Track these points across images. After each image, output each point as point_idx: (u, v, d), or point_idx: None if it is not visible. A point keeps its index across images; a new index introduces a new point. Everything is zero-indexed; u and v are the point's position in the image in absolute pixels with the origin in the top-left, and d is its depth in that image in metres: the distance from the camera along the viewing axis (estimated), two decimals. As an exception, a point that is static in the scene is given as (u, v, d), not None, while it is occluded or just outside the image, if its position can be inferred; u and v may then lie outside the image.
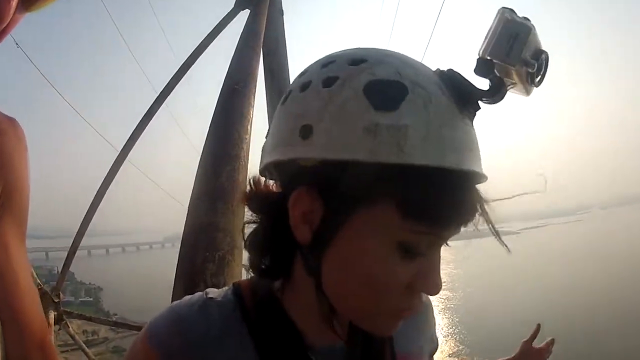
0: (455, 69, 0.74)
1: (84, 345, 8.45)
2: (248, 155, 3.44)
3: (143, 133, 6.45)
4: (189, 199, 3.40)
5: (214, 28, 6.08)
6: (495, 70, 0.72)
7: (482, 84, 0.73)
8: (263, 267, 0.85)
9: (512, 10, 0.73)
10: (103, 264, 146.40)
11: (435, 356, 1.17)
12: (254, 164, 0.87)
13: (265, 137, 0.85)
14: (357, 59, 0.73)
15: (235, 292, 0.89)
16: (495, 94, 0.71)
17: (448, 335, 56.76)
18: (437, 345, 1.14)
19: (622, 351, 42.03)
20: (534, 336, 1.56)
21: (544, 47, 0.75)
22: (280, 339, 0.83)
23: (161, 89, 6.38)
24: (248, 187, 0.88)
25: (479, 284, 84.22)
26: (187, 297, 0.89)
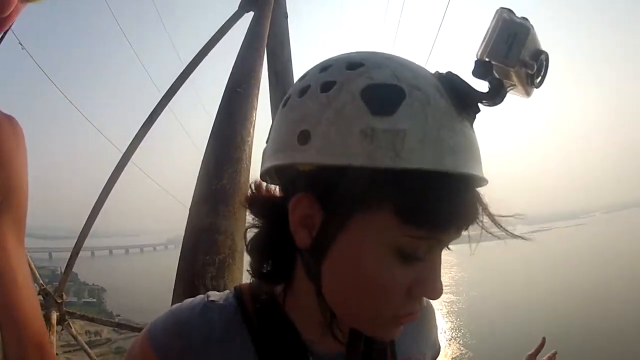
0: (454, 72, 0.73)
1: (86, 346, 8.48)
2: (250, 158, 3.43)
3: (147, 134, 6.48)
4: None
5: (218, 30, 6.11)
6: (494, 72, 0.71)
7: (482, 86, 0.72)
8: (264, 271, 0.85)
9: (510, 11, 0.73)
10: (106, 265, 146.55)
11: (437, 361, 1.16)
12: (256, 167, 0.88)
13: (266, 142, 0.85)
14: (354, 63, 0.73)
15: (236, 296, 0.88)
16: (494, 96, 0.71)
17: (452, 339, 56.70)
18: (439, 349, 1.13)
19: (628, 355, 41.95)
20: (538, 350, 1.53)
21: (543, 48, 0.74)
22: (281, 344, 0.83)
23: (165, 91, 6.40)
24: (249, 192, 0.88)
25: (483, 288, 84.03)
26: (188, 300, 0.88)
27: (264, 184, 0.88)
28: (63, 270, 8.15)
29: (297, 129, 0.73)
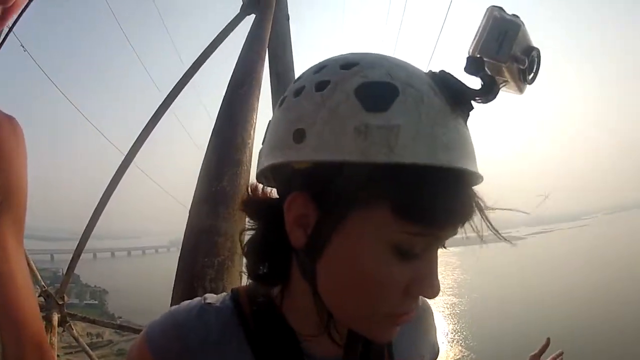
0: (447, 70, 0.74)
1: (87, 348, 8.49)
2: (251, 160, 3.43)
3: (149, 136, 6.49)
4: (192, 203, 3.41)
5: (220, 33, 6.12)
6: (485, 69, 0.72)
7: (475, 84, 0.72)
8: (260, 273, 0.85)
9: (501, 8, 0.73)
10: (108, 267, 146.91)
11: (438, 363, 1.16)
12: (254, 168, 0.87)
13: (262, 143, 0.86)
14: (349, 63, 0.74)
15: (233, 298, 0.88)
16: (487, 93, 0.71)
17: (454, 341, 56.63)
18: (438, 352, 1.13)
19: (629, 357, 41.91)
20: (542, 350, 1.52)
21: (534, 44, 0.75)
22: (278, 346, 0.83)
23: (167, 93, 6.41)
24: (246, 194, 0.88)
25: (485, 290, 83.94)
26: (186, 302, 0.89)
27: (261, 186, 0.88)
28: (65, 272, 8.16)
29: (293, 127, 0.73)
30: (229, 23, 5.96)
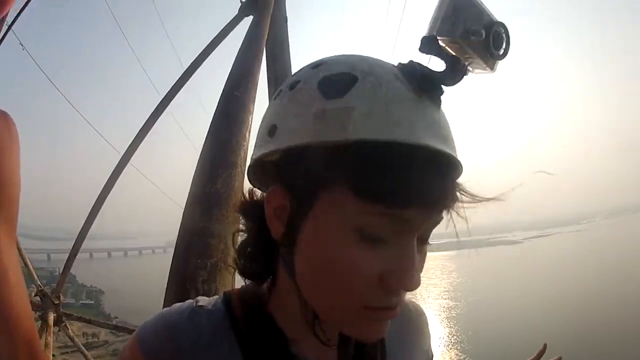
0: (415, 60, 0.74)
1: (82, 347, 8.48)
2: (245, 162, 3.43)
3: (148, 137, 6.50)
4: (187, 204, 3.41)
5: (218, 34, 6.14)
6: (445, 48, 0.72)
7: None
8: (249, 269, 0.87)
9: None
10: (105, 267, 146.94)
11: (437, 366, 1.15)
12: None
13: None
14: (318, 63, 0.78)
15: (225, 301, 0.88)
16: (452, 72, 0.71)
17: (450, 345, 56.65)
18: (432, 358, 1.12)
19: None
20: (540, 355, 1.51)
21: (496, 19, 0.75)
22: (269, 351, 0.83)
23: (165, 94, 6.42)
24: (241, 198, 0.90)
25: (482, 294, 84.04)
26: (177, 304, 0.89)
27: (258, 191, 0.90)
28: (61, 272, 8.17)
29: (269, 124, 0.78)
30: (227, 24, 5.98)
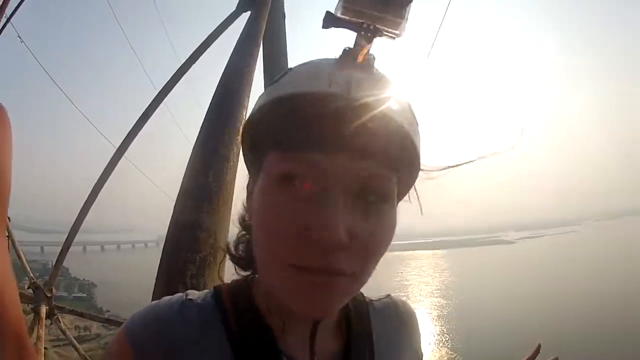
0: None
1: (74, 341, 8.45)
2: (238, 157, 3.41)
3: (144, 132, 6.47)
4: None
5: (215, 29, 6.09)
6: (337, 18, 0.72)
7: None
8: (236, 255, 0.90)
9: None
10: (98, 260, 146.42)
11: (427, 364, 1.14)
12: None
13: None
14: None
15: (215, 296, 0.89)
16: (359, 38, 0.72)
17: (441, 343, 56.69)
18: (422, 358, 1.10)
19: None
20: (533, 356, 1.50)
21: None
22: (258, 346, 0.83)
23: (161, 87, 6.40)
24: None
25: (473, 293, 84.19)
26: (167, 297, 0.89)
27: None
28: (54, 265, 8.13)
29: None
30: (225, 20, 5.93)
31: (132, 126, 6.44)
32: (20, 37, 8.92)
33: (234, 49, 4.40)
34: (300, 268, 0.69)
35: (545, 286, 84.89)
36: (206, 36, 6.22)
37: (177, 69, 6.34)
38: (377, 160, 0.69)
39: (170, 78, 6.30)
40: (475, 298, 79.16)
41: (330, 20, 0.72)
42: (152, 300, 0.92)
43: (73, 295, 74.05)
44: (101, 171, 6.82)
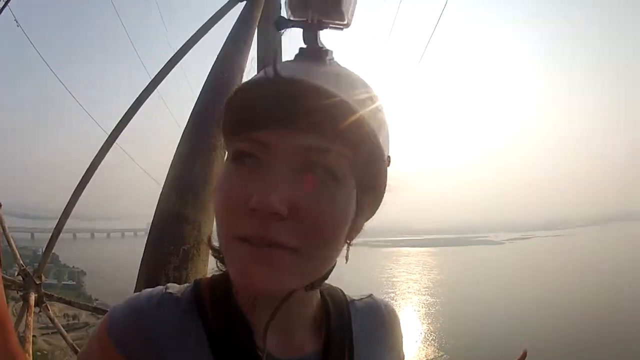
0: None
1: (62, 329, 8.44)
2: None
3: (137, 120, 6.46)
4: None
5: (210, 19, 6.06)
6: (287, 20, 0.84)
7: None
8: (218, 251, 0.86)
9: None
10: (88, 248, 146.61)
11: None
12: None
13: None
14: None
15: (194, 290, 0.89)
16: (307, 27, 0.82)
17: (428, 341, 57.04)
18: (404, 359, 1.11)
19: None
20: None
21: None
22: (236, 341, 0.83)
23: (154, 75, 6.38)
24: None
25: (462, 291, 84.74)
26: (147, 290, 0.89)
27: None
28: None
29: None
30: (220, 9, 5.90)
31: (124, 112, 6.42)
32: (17, 21, 8.88)
33: (227, 38, 4.39)
34: (242, 239, 0.70)
35: (533, 286, 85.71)
36: (201, 24, 6.21)
37: (171, 56, 6.32)
38: (318, 134, 0.70)
39: (164, 65, 6.27)
40: (463, 297, 79.78)
41: (282, 23, 0.83)
42: (135, 291, 0.93)
43: (63, 283, 74.24)
44: (92, 158, 6.80)
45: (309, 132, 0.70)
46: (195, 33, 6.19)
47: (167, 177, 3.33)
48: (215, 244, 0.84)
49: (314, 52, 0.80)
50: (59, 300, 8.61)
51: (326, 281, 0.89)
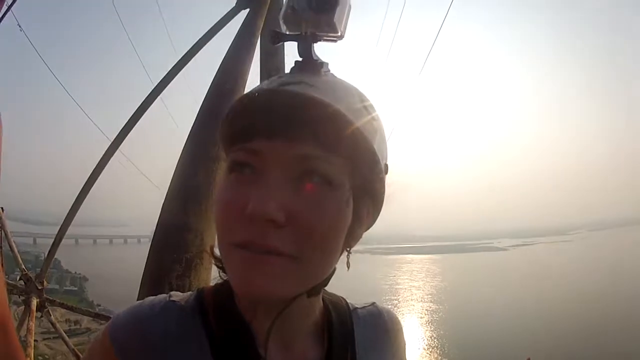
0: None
1: (64, 334, 8.45)
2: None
3: (140, 127, 6.47)
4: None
5: (213, 26, 6.05)
6: (282, 34, 0.84)
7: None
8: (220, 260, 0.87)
9: None
10: (90, 254, 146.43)
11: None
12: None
13: None
14: None
15: (197, 298, 0.89)
16: (302, 40, 0.83)
17: (432, 348, 56.84)
18: None
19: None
20: None
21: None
22: (238, 351, 0.83)
23: (157, 82, 6.39)
24: None
25: (465, 298, 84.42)
26: (150, 298, 0.89)
27: None
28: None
29: None
30: (223, 17, 5.89)
31: (127, 120, 6.43)
32: (20, 26, 8.89)
33: (230, 48, 4.39)
34: (239, 245, 0.72)
35: (536, 293, 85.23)
36: (204, 32, 6.21)
37: (174, 63, 6.33)
38: (314, 143, 0.72)
39: (167, 73, 6.28)
40: (466, 303, 79.45)
41: (276, 37, 0.84)
42: (138, 299, 0.92)
43: (65, 288, 74.18)
44: (95, 164, 6.81)
45: (305, 142, 0.72)
46: (198, 40, 6.19)
47: (170, 186, 3.33)
48: (218, 252, 0.85)
49: (309, 64, 0.82)
50: (62, 305, 8.61)
51: (328, 289, 0.90)
